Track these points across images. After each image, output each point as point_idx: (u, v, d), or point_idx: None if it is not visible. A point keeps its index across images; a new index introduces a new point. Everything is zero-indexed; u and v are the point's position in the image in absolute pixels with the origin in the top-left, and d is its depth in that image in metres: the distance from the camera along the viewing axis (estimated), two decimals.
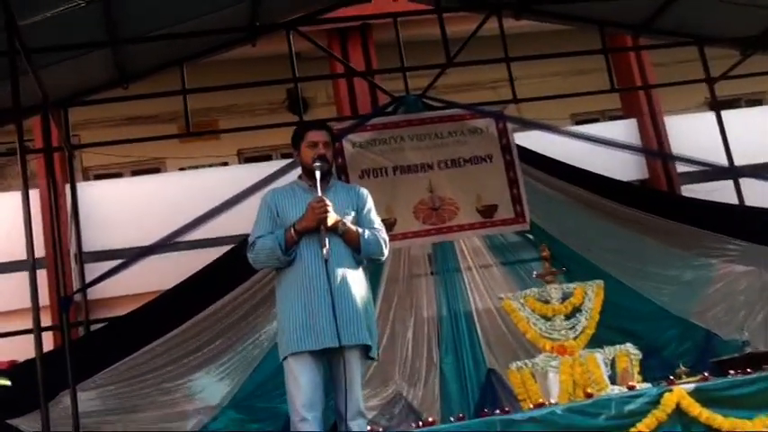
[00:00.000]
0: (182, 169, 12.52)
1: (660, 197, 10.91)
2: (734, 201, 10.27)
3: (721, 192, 10.45)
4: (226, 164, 12.87)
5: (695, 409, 5.84)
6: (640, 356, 6.80)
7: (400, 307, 9.12)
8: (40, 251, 9.35)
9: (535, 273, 7.52)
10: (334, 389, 4.92)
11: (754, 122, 11.93)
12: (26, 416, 7.67)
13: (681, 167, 11.51)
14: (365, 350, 4.98)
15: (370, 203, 5.25)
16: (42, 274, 9.63)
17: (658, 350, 8.87)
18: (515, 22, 10.42)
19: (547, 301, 7.07)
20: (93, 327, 9.54)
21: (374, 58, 11.95)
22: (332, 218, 4.88)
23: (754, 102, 13.67)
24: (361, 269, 5.08)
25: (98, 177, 12.61)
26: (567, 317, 7.04)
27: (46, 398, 6.62)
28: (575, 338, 6.92)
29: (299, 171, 5.30)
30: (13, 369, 8.19)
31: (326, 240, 4.83)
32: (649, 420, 5.78)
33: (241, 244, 7.34)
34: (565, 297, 7.09)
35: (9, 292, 9.60)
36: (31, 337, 6.67)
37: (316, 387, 4.83)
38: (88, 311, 9.75)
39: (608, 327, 7.38)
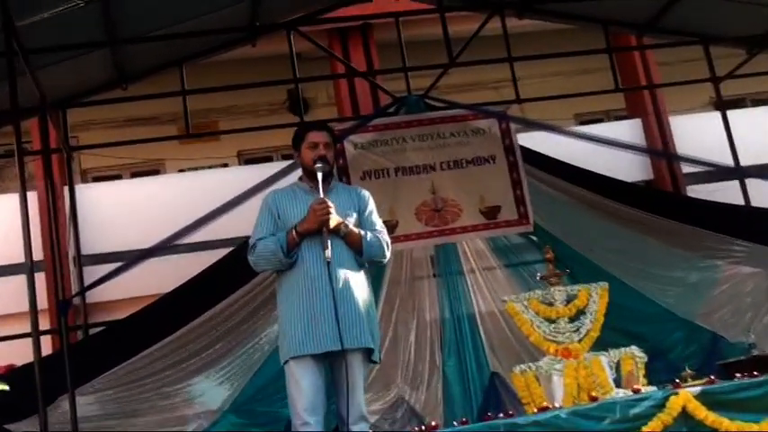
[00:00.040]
0: (181, 171, 12.53)
1: (665, 198, 10.90)
2: (740, 201, 10.27)
3: (727, 192, 10.45)
4: (226, 165, 12.86)
5: (701, 412, 5.84)
6: (646, 359, 6.78)
7: (402, 310, 9.12)
8: (38, 254, 9.36)
9: (539, 275, 7.51)
10: (335, 393, 4.91)
11: (760, 122, 11.91)
12: (25, 420, 7.67)
13: (686, 168, 11.51)
14: (367, 353, 4.96)
15: (371, 205, 5.25)
16: (40, 278, 9.63)
17: (664, 353, 8.87)
18: (518, 22, 10.43)
19: (551, 304, 7.06)
20: (92, 330, 9.54)
21: (375, 58, 11.96)
22: (334, 220, 4.87)
23: (759, 101, 13.65)
24: (362, 272, 5.08)
25: (97, 179, 12.62)
26: (572, 319, 7.02)
27: (44, 402, 6.63)
28: (579, 341, 6.90)
29: (299, 172, 5.29)
30: (11, 373, 8.17)
31: (329, 242, 4.82)
32: (655, 424, 5.77)
33: (241, 246, 7.34)
34: (569, 299, 7.08)
35: (7, 295, 9.60)
36: (29, 340, 6.67)
37: (317, 391, 4.82)
38: (87, 315, 9.75)
39: (613, 329, 7.37)
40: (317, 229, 4.87)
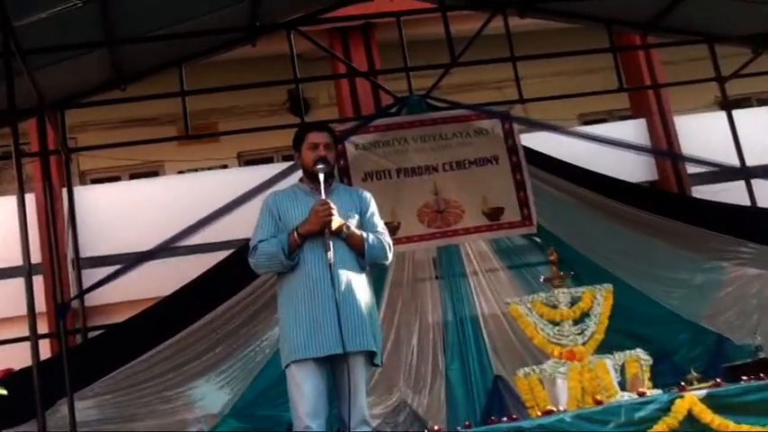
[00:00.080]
0: (181, 172, 12.54)
1: (670, 198, 10.91)
2: (745, 202, 10.25)
3: (732, 193, 10.44)
4: (226, 167, 12.86)
5: (707, 415, 5.83)
6: (651, 362, 6.77)
7: (405, 312, 9.12)
8: (36, 257, 9.36)
9: (542, 277, 7.50)
10: (337, 396, 4.91)
11: (766, 122, 11.91)
12: (23, 425, 7.66)
13: (691, 168, 11.50)
14: (370, 356, 4.96)
15: (373, 207, 5.25)
16: (39, 281, 9.64)
17: (669, 355, 8.86)
18: (521, 21, 10.42)
19: (555, 306, 7.05)
20: (91, 334, 9.55)
21: (377, 58, 11.97)
22: (336, 221, 4.87)
23: (765, 101, 13.65)
24: (364, 274, 5.08)
25: (95, 181, 12.64)
26: (576, 322, 7.01)
27: (43, 407, 6.62)
28: (583, 344, 6.89)
29: (300, 174, 5.29)
30: (9, 377, 8.17)
31: (331, 244, 4.82)
32: (660, 427, 5.76)
33: (242, 248, 7.34)
34: (573, 301, 7.07)
35: (5, 298, 9.59)
36: (27, 344, 6.67)
37: (319, 394, 4.81)
38: (86, 318, 9.76)
39: (617, 331, 7.35)
40: (318, 231, 4.87)
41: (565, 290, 7.09)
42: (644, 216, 9.62)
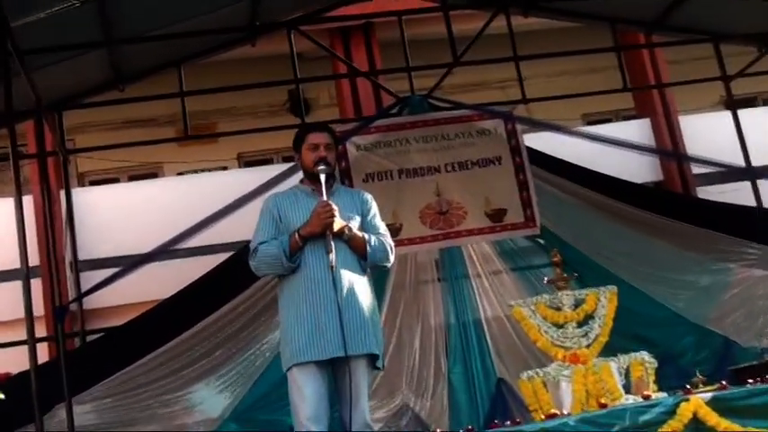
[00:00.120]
0: (180, 174, 12.55)
1: (675, 199, 10.91)
2: (751, 202, 10.26)
3: (738, 193, 10.46)
4: (225, 168, 12.88)
5: (713, 418, 5.82)
6: (656, 365, 6.77)
7: (407, 315, 9.12)
8: (34, 259, 9.39)
9: (546, 279, 7.51)
10: (339, 400, 4.90)
11: None
12: (21, 429, 7.67)
13: (696, 168, 11.52)
14: (372, 360, 4.95)
15: (374, 208, 5.24)
16: (36, 284, 9.65)
17: (674, 358, 8.86)
18: (524, 20, 10.43)
19: (558, 308, 7.05)
20: (90, 337, 9.58)
21: (378, 58, 11.97)
22: (338, 223, 4.87)
23: None
24: (366, 276, 5.08)
25: (93, 183, 12.65)
26: (580, 324, 7.01)
27: (41, 411, 6.64)
28: (587, 346, 6.89)
29: (301, 175, 5.29)
30: (6, 382, 8.20)
31: (332, 246, 4.82)
32: (665, 431, 5.76)
33: (241, 251, 7.35)
34: (577, 304, 7.07)
35: (2, 302, 9.63)
36: (25, 348, 6.69)
37: (321, 398, 4.81)
38: (84, 322, 9.78)
39: (622, 334, 7.35)
40: (320, 233, 4.86)
41: (569, 292, 7.09)
42: (648, 217, 9.62)
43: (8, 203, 7.80)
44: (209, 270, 8.90)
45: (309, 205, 4.97)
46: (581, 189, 9.62)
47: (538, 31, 11.66)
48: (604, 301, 7.09)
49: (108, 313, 10.11)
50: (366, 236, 5.01)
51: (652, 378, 6.72)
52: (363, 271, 5.04)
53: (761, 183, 10.38)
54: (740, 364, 8.00)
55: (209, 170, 12.57)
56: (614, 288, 7.21)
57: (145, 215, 10.53)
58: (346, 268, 4.90)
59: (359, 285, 4.94)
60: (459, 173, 9.46)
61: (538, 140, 9.88)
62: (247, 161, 13.35)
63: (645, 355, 6.81)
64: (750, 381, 6.56)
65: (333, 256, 4.79)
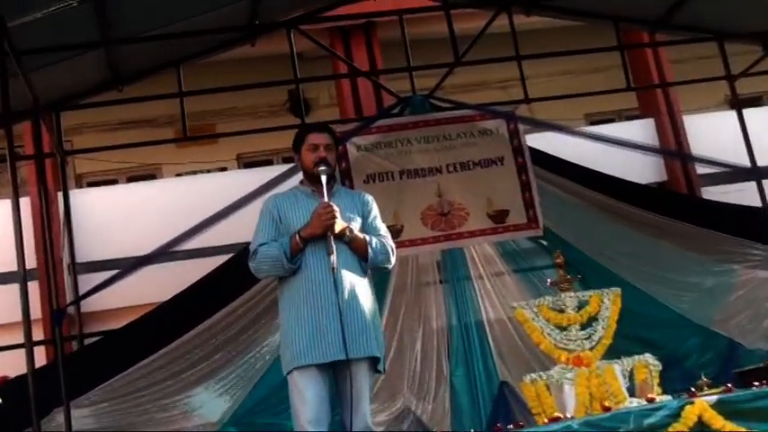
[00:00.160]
0: (179, 175, 12.55)
1: (679, 200, 10.91)
2: (756, 203, 10.25)
3: (743, 194, 10.45)
4: (225, 169, 12.89)
5: (718, 422, 5.82)
6: (660, 367, 6.77)
7: (408, 317, 9.12)
8: (31, 262, 9.37)
9: (549, 280, 7.50)
10: (340, 403, 4.90)
11: None
12: None
13: (701, 169, 11.51)
14: (373, 363, 4.95)
15: (375, 210, 5.24)
16: (34, 286, 9.66)
17: (679, 360, 8.85)
18: (526, 19, 10.42)
19: (561, 310, 7.05)
20: (87, 341, 9.56)
21: (379, 58, 11.97)
22: (339, 224, 4.87)
23: None
24: (366, 278, 5.08)
25: (91, 184, 12.65)
26: (583, 326, 7.01)
27: (38, 415, 6.63)
28: (591, 349, 6.89)
29: (301, 176, 5.29)
30: (4, 385, 8.21)
31: (334, 248, 4.82)
32: None
33: (241, 252, 7.36)
34: (580, 306, 7.07)
35: None
36: (22, 351, 6.67)
37: (322, 401, 4.80)
38: (82, 325, 9.77)
39: (626, 336, 7.36)
40: (321, 234, 4.86)
41: (572, 294, 7.09)
42: (653, 218, 9.63)
43: (5, 205, 7.83)
44: (208, 272, 8.90)
45: (310, 206, 4.97)
46: (584, 190, 9.62)
47: (540, 30, 11.66)
48: (608, 303, 7.09)
49: (106, 316, 10.11)
50: (367, 237, 5.01)
51: (656, 381, 6.72)
52: (364, 273, 5.04)
53: (766, 183, 10.37)
54: (745, 367, 8.00)
55: (209, 171, 12.58)
56: (618, 290, 7.21)
57: (143, 217, 10.53)
58: (347, 270, 4.90)
59: (360, 287, 4.94)
60: (460, 173, 9.47)
61: (540, 141, 9.88)
62: (247, 162, 13.35)
63: (649, 358, 6.80)
64: (756, 383, 6.55)
65: (334, 257, 4.78)
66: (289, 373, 4.88)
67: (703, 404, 5.86)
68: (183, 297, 8.73)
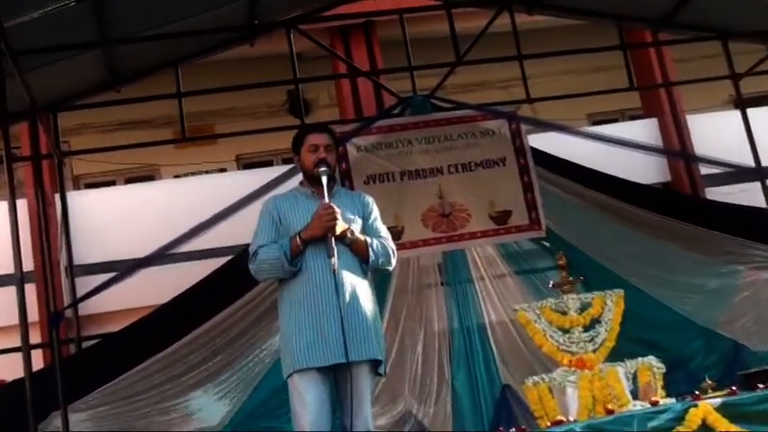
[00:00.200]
0: (177, 176, 12.55)
1: (683, 200, 10.92)
2: (761, 203, 10.24)
3: (748, 194, 10.45)
4: (224, 170, 12.89)
5: (723, 425, 5.82)
6: (664, 370, 6.77)
7: (409, 320, 9.12)
8: (28, 264, 9.37)
9: (551, 282, 7.50)
10: (340, 407, 4.90)
11: None
12: None
13: (705, 169, 11.51)
14: (374, 366, 4.96)
15: (376, 211, 5.25)
16: (31, 289, 9.63)
17: (683, 363, 8.85)
18: (528, 18, 10.42)
19: (564, 312, 7.05)
20: (85, 344, 9.56)
21: (379, 57, 11.96)
22: (340, 226, 4.87)
23: None
24: (367, 280, 5.08)
25: (89, 186, 12.64)
26: (586, 329, 7.01)
27: (36, 419, 6.64)
28: (594, 351, 6.89)
29: (300, 177, 5.29)
30: (0, 389, 8.21)
31: (335, 250, 4.82)
32: None
33: (240, 254, 7.36)
34: (583, 308, 7.06)
35: None
36: (19, 355, 6.68)
37: (322, 405, 4.80)
38: (80, 328, 9.76)
39: (629, 338, 7.35)
40: (322, 236, 4.86)
41: (574, 295, 7.09)
42: (656, 219, 9.62)
43: (2, 207, 7.82)
44: (207, 274, 8.90)
45: (309, 208, 4.97)
46: (587, 190, 9.62)
47: (542, 29, 11.66)
48: (611, 305, 7.09)
49: (104, 319, 10.11)
50: (368, 239, 5.01)
51: (660, 383, 6.72)
52: (365, 275, 5.04)
53: None
54: (750, 369, 7.97)
55: (208, 172, 12.58)
56: (621, 291, 7.21)
57: (142, 218, 10.53)
58: (348, 272, 4.90)
59: (361, 290, 4.94)
60: (462, 174, 9.47)
61: (542, 141, 9.88)
62: (246, 163, 13.35)
63: (653, 360, 6.80)
64: (760, 386, 6.55)
65: (335, 259, 4.78)
66: (289, 377, 4.88)
67: (708, 407, 5.88)
68: (181, 299, 8.73)
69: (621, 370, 6.67)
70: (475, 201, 9.40)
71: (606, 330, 6.98)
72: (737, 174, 10.67)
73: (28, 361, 6.54)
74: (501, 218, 9.41)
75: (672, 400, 6.38)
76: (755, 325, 9.37)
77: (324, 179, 4.97)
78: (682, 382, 7.62)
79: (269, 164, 12.73)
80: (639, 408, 6.29)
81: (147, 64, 9.51)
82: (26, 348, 6.53)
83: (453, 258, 9.34)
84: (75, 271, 9.81)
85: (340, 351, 4.72)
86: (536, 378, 6.84)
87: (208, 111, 12.46)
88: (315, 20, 10.19)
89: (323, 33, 11.49)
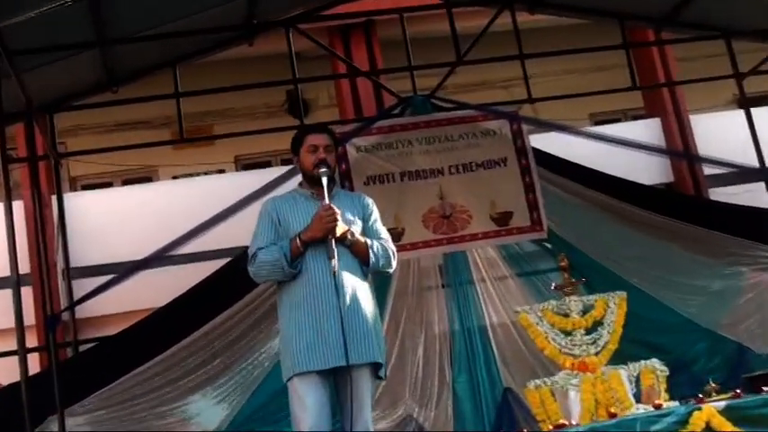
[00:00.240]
0: (175, 178, 12.54)
1: (686, 201, 10.91)
2: (765, 204, 10.21)
3: (752, 195, 10.44)
4: (222, 171, 12.89)
5: (726, 428, 5.83)
6: (667, 372, 6.78)
7: (410, 322, 9.12)
8: (24, 267, 9.40)
9: (553, 284, 7.51)
10: (341, 411, 4.90)
11: None
12: None
13: (708, 169, 11.51)
14: (375, 369, 4.96)
15: (376, 213, 5.25)
16: (27, 292, 9.66)
17: (686, 365, 8.85)
18: (529, 17, 10.42)
19: (566, 315, 7.05)
20: (82, 347, 9.54)
21: (379, 57, 11.96)
22: (340, 227, 4.87)
23: None
24: (368, 282, 5.08)
25: (86, 187, 12.64)
26: (588, 331, 7.01)
27: (32, 423, 6.65)
28: (596, 354, 6.90)
29: (300, 178, 5.29)
30: None
31: (335, 251, 4.82)
32: None
33: (239, 256, 7.36)
34: (585, 310, 7.07)
35: None
36: (15, 359, 6.69)
37: (322, 408, 4.80)
38: (76, 331, 9.75)
39: (632, 341, 7.36)
40: (322, 238, 4.86)
41: (576, 298, 7.10)
42: (659, 220, 9.61)
43: None
44: (205, 277, 8.89)
45: (309, 209, 4.98)
46: (589, 191, 9.61)
47: (544, 28, 11.66)
48: (614, 307, 7.09)
49: (101, 322, 10.11)
50: (368, 241, 5.02)
51: (663, 386, 6.73)
52: (365, 277, 5.05)
53: None
54: (755, 372, 7.97)
55: (206, 173, 12.58)
56: (623, 293, 7.23)
57: (139, 220, 10.53)
58: (349, 274, 4.91)
59: (362, 292, 4.95)
60: (463, 175, 9.47)
61: (544, 141, 9.88)
62: (245, 164, 13.36)
63: (656, 363, 6.81)
64: (765, 389, 6.54)
65: (335, 261, 4.79)
66: (289, 380, 4.88)
67: (711, 410, 5.88)
68: (180, 302, 8.73)
69: (624, 373, 6.68)
70: (476, 202, 9.41)
71: (609, 333, 6.99)
72: (742, 174, 10.67)
73: (24, 364, 6.54)
74: (502, 219, 9.41)
75: (675, 404, 6.38)
76: (760, 327, 9.36)
77: (324, 180, 4.98)
78: (685, 385, 7.62)
79: (268, 165, 12.74)
80: (642, 411, 6.29)
81: (144, 64, 9.51)
82: (22, 352, 6.53)
83: (454, 260, 9.33)
84: (72, 273, 9.82)
85: (340, 353, 4.72)
86: (538, 381, 6.85)
87: (206, 111, 12.47)
88: (314, 19, 10.19)
89: (322, 33, 11.50)
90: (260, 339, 8.74)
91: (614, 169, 9.85)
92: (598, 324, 7.03)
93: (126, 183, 12.68)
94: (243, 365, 8.72)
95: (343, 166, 9.18)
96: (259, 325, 8.72)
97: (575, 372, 6.79)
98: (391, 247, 5.15)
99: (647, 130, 12.04)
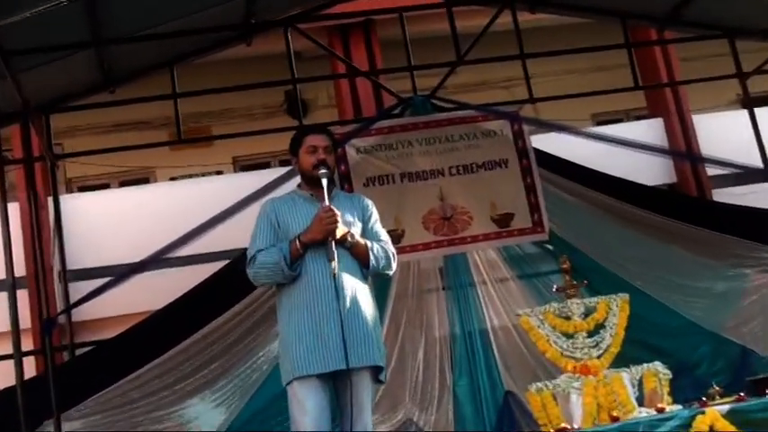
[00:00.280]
0: (173, 179, 12.54)
1: (689, 202, 10.92)
2: None
3: (756, 195, 10.45)
4: (220, 172, 12.90)
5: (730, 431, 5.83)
6: (670, 376, 6.78)
7: (410, 325, 9.12)
8: (20, 270, 9.35)
9: (555, 286, 7.52)
10: (340, 414, 4.90)
11: None
12: None
13: (711, 170, 11.50)
14: (375, 372, 4.96)
15: (375, 215, 5.25)
16: (23, 295, 9.64)
17: (690, 368, 8.86)
18: (530, 16, 10.43)
19: (568, 317, 7.05)
20: (79, 351, 9.54)
21: (378, 57, 11.96)
22: (341, 229, 4.87)
23: None
24: (367, 285, 5.08)
25: (83, 189, 12.65)
26: (590, 334, 7.02)
27: (28, 428, 6.64)
28: (598, 357, 6.90)
29: (299, 179, 5.29)
30: None
31: (335, 254, 4.82)
32: None
33: (238, 258, 7.36)
34: (587, 312, 7.07)
35: None
36: (10, 362, 6.70)
37: (322, 412, 4.80)
38: (73, 334, 9.75)
39: (634, 344, 7.36)
40: (322, 240, 4.86)
41: (578, 300, 7.10)
42: (662, 221, 9.62)
43: None
44: (203, 279, 8.89)
45: (308, 211, 4.97)
46: (590, 192, 9.62)
47: (545, 27, 11.67)
48: (616, 310, 7.10)
49: (98, 325, 10.10)
50: (368, 243, 5.01)
51: (666, 390, 6.73)
52: (365, 279, 5.04)
53: None
54: (759, 375, 7.97)
55: (204, 175, 12.57)
56: (626, 296, 7.23)
57: (136, 222, 10.52)
58: (349, 276, 4.90)
59: (362, 294, 4.94)
60: (463, 176, 9.48)
61: (545, 142, 9.89)
62: (243, 165, 13.36)
63: (658, 366, 6.81)
64: None
65: (335, 263, 4.78)
66: (288, 384, 4.88)
67: (715, 413, 5.87)
68: (177, 305, 8.73)
69: (627, 376, 6.68)
70: (476, 203, 9.41)
71: (611, 335, 6.99)
72: (745, 175, 10.68)
73: (20, 368, 6.56)
74: (503, 220, 9.41)
75: (678, 407, 6.39)
76: (763, 329, 9.37)
77: (324, 181, 4.98)
78: (688, 389, 7.63)
79: (266, 166, 12.72)
80: (645, 415, 6.29)
81: (141, 64, 9.51)
82: (18, 355, 6.55)
83: (455, 262, 9.34)
84: (68, 276, 9.82)
85: (340, 356, 4.72)
86: (539, 384, 6.85)
87: (204, 112, 12.47)
88: (313, 19, 10.20)
89: (321, 32, 11.49)
90: (259, 342, 8.74)
91: (616, 170, 9.85)
92: (600, 327, 7.04)
93: (123, 184, 12.67)
94: (241, 369, 8.72)
95: (343, 168, 9.18)
96: (258, 328, 8.72)
97: (577, 375, 6.79)
98: (391, 249, 5.14)
99: (650, 130, 12.04)
